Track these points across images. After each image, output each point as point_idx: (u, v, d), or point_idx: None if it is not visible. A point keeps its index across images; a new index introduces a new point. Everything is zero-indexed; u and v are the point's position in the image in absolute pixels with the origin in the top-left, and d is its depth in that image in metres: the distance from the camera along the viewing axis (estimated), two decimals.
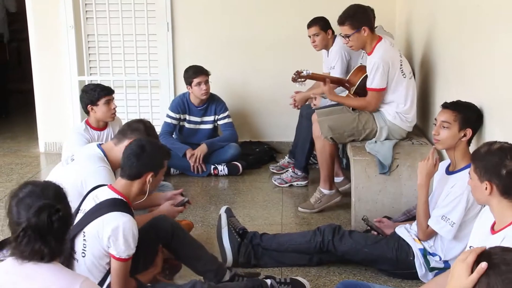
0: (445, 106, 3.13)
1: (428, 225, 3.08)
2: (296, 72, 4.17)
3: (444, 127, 3.07)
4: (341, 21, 3.95)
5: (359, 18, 3.90)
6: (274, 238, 3.50)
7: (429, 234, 3.12)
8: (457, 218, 2.96)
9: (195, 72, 5.23)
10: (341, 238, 3.31)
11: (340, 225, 3.42)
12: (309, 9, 5.51)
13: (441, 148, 3.15)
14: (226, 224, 3.52)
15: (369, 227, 3.53)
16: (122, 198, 2.79)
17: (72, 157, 3.46)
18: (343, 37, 4.00)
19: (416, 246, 3.17)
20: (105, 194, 2.80)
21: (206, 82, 5.24)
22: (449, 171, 3.13)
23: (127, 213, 2.73)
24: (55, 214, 1.94)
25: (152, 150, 2.86)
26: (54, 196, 2.01)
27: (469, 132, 3.04)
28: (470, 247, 2.44)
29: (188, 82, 5.27)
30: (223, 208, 3.65)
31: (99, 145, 3.43)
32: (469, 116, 3.07)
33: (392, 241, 3.27)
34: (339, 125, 4.12)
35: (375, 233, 3.45)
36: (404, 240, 3.23)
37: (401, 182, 3.83)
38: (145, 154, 2.82)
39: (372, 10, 4.57)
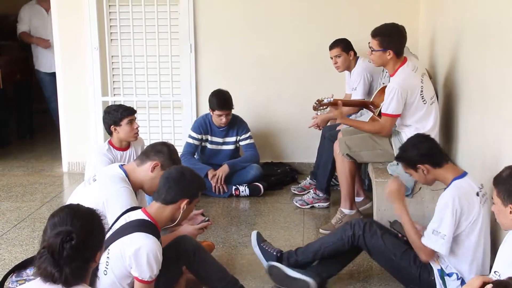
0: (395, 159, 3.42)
1: (424, 245, 3.11)
2: (317, 100, 4.20)
3: (410, 175, 3.30)
4: (374, 33, 3.96)
5: (391, 40, 3.91)
6: (307, 248, 3.49)
7: (428, 253, 3.12)
8: (447, 229, 2.98)
9: (219, 105, 5.22)
10: (373, 236, 3.29)
11: (371, 222, 3.39)
12: (331, 30, 5.55)
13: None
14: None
15: (395, 231, 3.47)
16: (150, 220, 2.81)
17: (94, 177, 3.51)
18: (369, 47, 4.02)
19: (435, 267, 3.15)
20: (135, 215, 2.83)
21: (227, 115, 5.27)
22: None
23: (153, 235, 2.73)
24: (68, 241, 1.96)
25: (192, 178, 2.92)
26: (81, 226, 2.01)
27: (423, 167, 3.16)
28: (495, 272, 2.41)
29: (211, 108, 5.31)
30: (253, 236, 3.63)
31: (121, 166, 3.47)
32: (408, 158, 3.23)
33: (418, 258, 3.23)
34: (356, 144, 4.17)
35: (404, 237, 3.41)
36: None
37: (424, 204, 3.81)
38: (185, 180, 2.87)
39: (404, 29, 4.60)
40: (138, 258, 2.65)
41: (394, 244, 3.29)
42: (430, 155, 3.17)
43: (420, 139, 3.25)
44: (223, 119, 5.26)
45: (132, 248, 2.65)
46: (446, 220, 2.98)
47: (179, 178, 2.86)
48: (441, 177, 3.16)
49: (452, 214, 2.97)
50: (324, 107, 4.23)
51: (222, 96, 5.28)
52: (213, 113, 5.30)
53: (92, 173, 3.71)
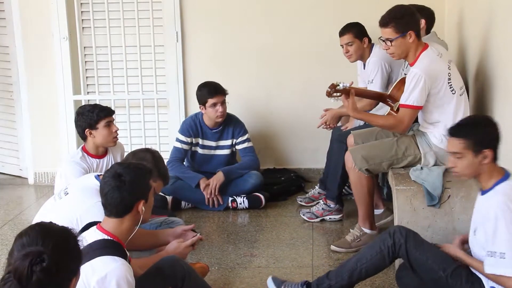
0: (450, 133, 3.15)
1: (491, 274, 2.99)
2: (331, 85, 4.14)
3: (458, 158, 3.09)
4: (385, 22, 3.95)
5: (407, 21, 3.91)
6: (341, 268, 3.41)
7: (499, 281, 2.99)
8: (503, 246, 2.88)
9: (210, 92, 5.27)
10: (418, 246, 3.23)
11: (416, 233, 3.33)
12: (342, 13, 5.56)
13: (466, 179, 3.19)
14: None
15: None
16: (112, 239, 2.79)
17: (65, 190, 3.50)
18: (383, 41, 4.01)
19: (488, 284, 3.07)
20: (92, 235, 2.80)
21: (223, 103, 5.29)
22: (482, 191, 3.12)
23: (119, 257, 2.71)
24: (38, 264, 1.95)
25: (132, 174, 2.83)
26: (54, 247, 2.00)
27: (489, 153, 3.02)
28: None
29: (202, 102, 5.32)
30: (269, 282, 3.62)
31: (97, 176, 3.46)
32: (481, 137, 3.06)
33: (471, 276, 3.14)
34: (375, 154, 4.12)
35: None
36: (476, 275, 3.15)
37: (454, 216, 3.80)
38: (126, 183, 2.79)
39: (432, 13, 4.63)
40: (105, 287, 2.61)
41: (444, 259, 3.21)
42: (497, 142, 3.08)
43: (492, 122, 3.14)
44: (220, 108, 5.26)
45: (97, 277, 2.60)
46: (499, 236, 2.89)
47: (120, 184, 2.78)
48: (486, 175, 3.07)
49: (505, 224, 2.88)
50: (338, 94, 4.14)
51: (212, 83, 5.33)
52: (205, 108, 5.30)
53: (63, 185, 3.71)
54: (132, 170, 2.86)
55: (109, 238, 2.78)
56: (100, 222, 2.89)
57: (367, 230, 4.32)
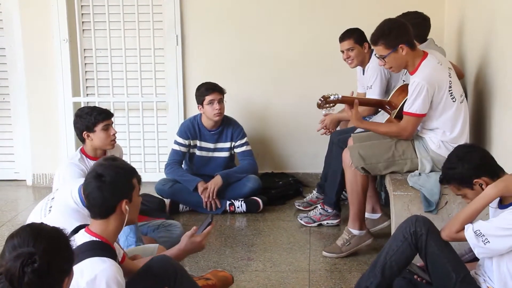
0: (441, 183, 3.45)
1: (462, 229, 3.06)
2: (322, 97, 4.16)
3: (464, 198, 3.23)
4: (374, 40, 3.99)
5: (395, 36, 3.92)
6: (372, 268, 3.33)
7: (456, 238, 3.12)
8: (497, 246, 2.94)
9: (208, 89, 5.30)
10: (437, 241, 3.20)
11: (436, 228, 3.30)
12: (341, 20, 5.56)
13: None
14: None
15: (413, 273, 3.44)
16: (100, 240, 2.78)
17: (51, 205, 3.41)
18: (378, 58, 4.03)
19: None
20: (80, 238, 2.79)
21: (220, 101, 5.30)
22: (501, 205, 3.11)
23: (108, 257, 2.70)
24: (30, 265, 1.94)
25: (113, 174, 2.82)
26: (45, 248, 2.00)
27: (481, 181, 3.10)
28: None
29: (200, 101, 5.33)
30: None
31: (80, 189, 3.31)
32: (462, 175, 3.16)
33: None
34: (372, 154, 4.13)
35: (422, 280, 3.36)
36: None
37: None
38: (107, 182, 2.78)
39: (428, 20, 4.63)
40: None
41: (459, 263, 3.20)
42: (485, 165, 3.15)
43: (467, 150, 3.25)
44: (216, 106, 5.28)
45: (86, 279, 2.59)
46: (503, 240, 2.94)
47: (100, 184, 2.77)
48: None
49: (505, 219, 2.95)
50: (331, 105, 4.18)
51: (210, 82, 5.38)
52: (203, 107, 5.32)
53: (53, 195, 3.62)
54: (112, 170, 2.85)
55: (97, 239, 2.78)
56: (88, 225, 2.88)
57: (355, 232, 4.31)
